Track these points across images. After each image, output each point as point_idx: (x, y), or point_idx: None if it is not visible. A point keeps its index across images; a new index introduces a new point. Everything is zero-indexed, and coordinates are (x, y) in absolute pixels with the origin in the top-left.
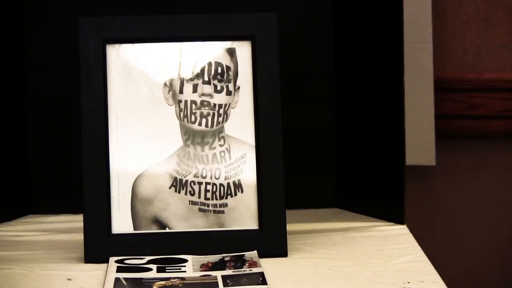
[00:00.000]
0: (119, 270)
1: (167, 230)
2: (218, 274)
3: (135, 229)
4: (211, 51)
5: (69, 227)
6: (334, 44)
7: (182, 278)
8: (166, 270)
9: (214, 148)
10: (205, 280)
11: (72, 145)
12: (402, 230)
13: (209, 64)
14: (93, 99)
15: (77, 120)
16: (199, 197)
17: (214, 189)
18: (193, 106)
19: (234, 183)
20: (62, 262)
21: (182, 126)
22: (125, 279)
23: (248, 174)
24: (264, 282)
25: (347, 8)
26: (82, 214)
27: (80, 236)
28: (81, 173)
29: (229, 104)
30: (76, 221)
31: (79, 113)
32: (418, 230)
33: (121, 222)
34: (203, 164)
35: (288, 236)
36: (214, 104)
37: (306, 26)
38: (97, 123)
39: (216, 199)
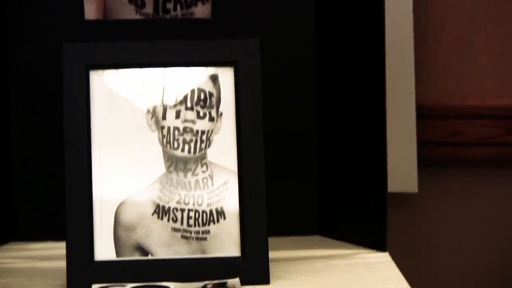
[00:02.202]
0: None
1: (149, 257)
2: None
3: (117, 256)
4: (194, 77)
5: (52, 254)
6: (316, 77)
7: None
8: None
9: (197, 174)
10: None
11: (55, 172)
12: (384, 258)
13: (192, 90)
14: (76, 126)
15: (60, 146)
16: (182, 223)
17: (197, 216)
18: (176, 132)
19: (216, 209)
20: None
21: (165, 153)
22: None
23: (230, 201)
24: None
25: (329, 35)
26: (65, 241)
27: (63, 263)
28: (64, 200)
29: (212, 130)
30: (59, 248)
31: (62, 140)
32: (401, 258)
33: (104, 249)
34: (186, 190)
35: (270, 263)
36: (197, 131)
37: (289, 51)
38: (80, 149)
39: (199, 225)
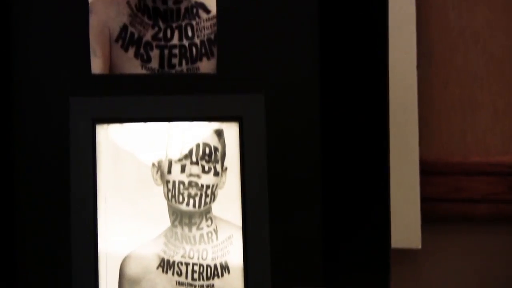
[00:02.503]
0: None
1: None
2: None
3: None
4: (199, 132)
5: None
6: (321, 132)
7: None
8: None
9: (202, 228)
10: None
11: (61, 226)
12: None
13: (197, 145)
14: (82, 179)
15: (66, 200)
16: (186, 277)
17: (201, 270)
18: (181, 186)
19: (221, 264)
20: None
21: (170, 207)
22: None
23: (235, 255)
24: None
25: (334, 93)
26: None
27: None
28: (70, 253)
29: (217, 184)
30: None
31: (68, 193)
32: None
33: None
34: (191, 244)
35: None
36: (202, 185)
37: (294, 106)
38: (86, 203)
39: (203, 279)
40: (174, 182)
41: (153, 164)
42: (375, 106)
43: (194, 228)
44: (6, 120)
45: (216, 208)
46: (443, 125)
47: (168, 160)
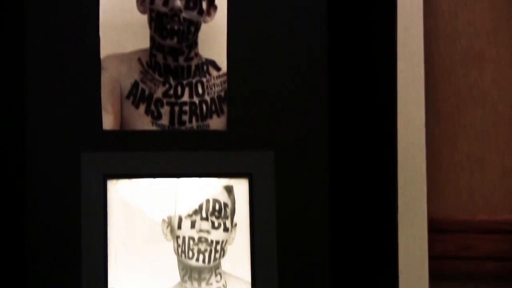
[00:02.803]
0: None
1: None
2: None
3: None
4: (209, 188)
5: None
6: (329, 190)
7: None
8: None
9: (211, 284)
10: None
11: (72, 279)
12: None
13: (207, 200)
14: (93, 234)
15: (77, 255)
16: None
17: None
18: (191, 242)
19: None
20: None
21: (179, 262)
22: None
23: None
24: None
25: (342, 152)
26: None
27: None
28: None
29: (226, 240)
30: None
31: (79, 248)
32: None
33: None
34: None
35: None
36: (212, 241)
37: (302, 163)
38: (96, 258)
39: None
40: (184, 238)
41: (163, 220)
42: (383, 164)
43: (203, 284)
44: (19, 175)
45: (225, 263)
46: (451, 183)
47: (178, 216)
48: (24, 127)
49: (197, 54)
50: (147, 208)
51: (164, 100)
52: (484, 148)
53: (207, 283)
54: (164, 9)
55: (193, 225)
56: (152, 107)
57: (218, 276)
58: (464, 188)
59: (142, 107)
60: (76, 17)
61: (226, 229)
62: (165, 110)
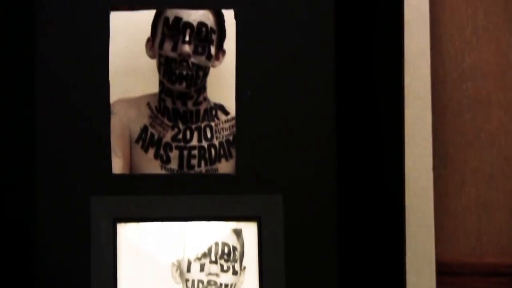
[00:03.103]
0: None
1: None
2: None
3: None
4: (218, 231)
5: None
6: (337, 231)
7: None
8: None
9: None
10: None
11: None
12: None
13: (216, 244)
14: (102, 277)
15: None
16: None
17: None
18: (200, 285)
19: None
20: None
21: None
22: None
23: None
24: None
25: (350, 191)
26: None
27: None
28: None
29: (235, 284)
30: None
31: None
32: None
33: None
34: None
35: None
36: (221, 284)
37: (311, 205)
38: None
39: None
40: (193, 281)
41: (172, 263)
42: (391, 207)
43: None
44: (30, 218)
45: None
46: (459, 226)
47: (187, 259)
48: (35, 170)
49: (205, 99)
50: (156, 251)
51: (173, 144)
52: (491, 192)
53: None
54: (173, 54)
55: (202, 268)
56: (161, 151)
57: None
58: (472, 231)
59: (151, 151)
60: (86, 62)
61: (235, 272)
62: (174, 154)
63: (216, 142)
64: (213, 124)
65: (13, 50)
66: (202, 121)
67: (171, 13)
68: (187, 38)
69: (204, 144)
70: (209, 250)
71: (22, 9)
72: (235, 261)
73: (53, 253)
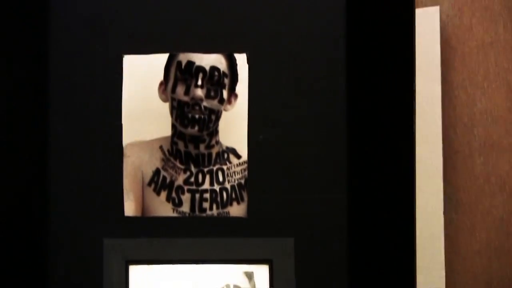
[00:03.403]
0: None
1: None
2: None
3: None
4: (230, 274)
5: None
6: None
7: None
8: None
9: None
10: None
11: None
12: None
13: (228, 286)
14: None
15: None
16: None
17: None
18: None
19: None
20: None
21: None
22: None
23: None
24: None
25: (361, 224)
26: None
27: None
28: None
29: None
30: None
31: None
32: None
33: None
34: None
35: None
36: None
37: (322, 250)
38: None
39: None
40: None
41: None
42: (402, 251)
43: None
44: (43, 261)
45: None
46: (469, 269)
47: None
48: (49, 213)
49: (217, 142)
50: None
51: (185, 188)
52: (502, 236)
53: None
54: (185, 98)
55: None
56: (173, 194)
57: None
58: (482, 275)
59: (164, 194)
60: (99, 105)
61: None
62: (186, 197)
63: (228, 186)
64: (225, 167)
65: (27, 95)
66: (214, 165)
67: (184, 57)
68: (199, 82)
69: (216, 187)
70: None
71: (36, 51)
72: None
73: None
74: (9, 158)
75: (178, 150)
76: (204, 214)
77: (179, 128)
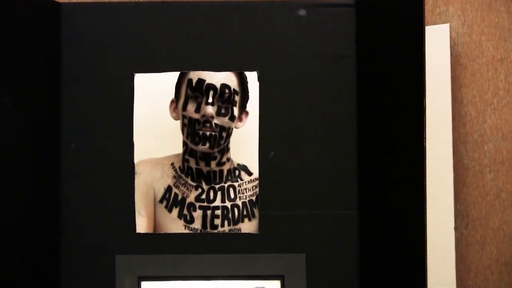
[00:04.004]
0: None
1: None
2: None
3: None
4: None
5: None
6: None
7: None
8: None
9: None
10: None
11: None
12: None
13: None
14: None
15: None
16: None
17: None
18: None
19: None
20: None
21: None
22: None
23: None
24: None
25: (372, 247)
26: None
27: None
28: None
29: None
30: None
31: None
32: None
33: None
34: None
35: None
36: None
37: (333, 264)
38: None
39: None
40: None
41: None
42: (413, 266)
43: None
44: (55, 278)
45: None
46: (480, 284)
47: None
48: (61, 230)
49: (229, 159)
50: None
51: (197, 204)
52: None
53: None
54: (196, 116)
55: None
56: (185, 211)
57: None
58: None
59: (175, 211)
60: (111, 123)
61: None
62: (197, 214)
63: (239, 202)
64: (236, 184)
65: (40, 113)
66: (226, 182)
67: (194, 75)
68: (210, 100)
69: (228, 204)
70: None
71: (49, 70)
72: None
73: None
74: (23, 177)
75: (189, 167)
76: (215, 231)
77: (190, 145)
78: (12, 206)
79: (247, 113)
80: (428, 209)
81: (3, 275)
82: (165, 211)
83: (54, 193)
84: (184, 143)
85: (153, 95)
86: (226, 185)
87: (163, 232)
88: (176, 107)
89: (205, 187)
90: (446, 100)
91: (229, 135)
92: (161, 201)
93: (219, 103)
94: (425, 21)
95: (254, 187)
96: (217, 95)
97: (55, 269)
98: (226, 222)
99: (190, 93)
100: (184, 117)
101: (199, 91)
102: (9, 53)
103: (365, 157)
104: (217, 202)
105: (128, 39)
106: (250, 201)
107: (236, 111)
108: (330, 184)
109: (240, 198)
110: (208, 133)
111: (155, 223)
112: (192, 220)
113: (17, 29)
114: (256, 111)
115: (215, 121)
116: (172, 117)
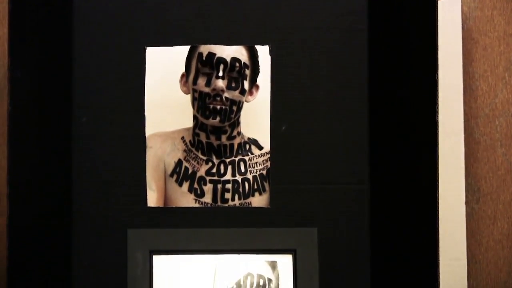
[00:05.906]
0: None
1: None
2: None
3: None
4: (253, 264)
5: None
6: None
7: None
8: None
9: None
10: None
11: None
12: None
13: (251, 276)
14: None
15: None
16: None
17: None
18: None
19: None
20: None
21: None
22: None
23: None
24: None
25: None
26: None
27: None
28: None
29: None
30: None
31: None
32: None
33: None
34: None
35: None
36: None
37: (345, 239)
38: None
39: None
40: None
41: None
42: (424, 241)
43: None
44: (66, 252)
45: None
46: (491, 259)
47: None
48: (72, 204)
49: (239, 133)
50: (191, 283)
51: (207, 178)
52: None
53: None
54: (206, 89)
55: None
56: (195, 185)
57: None
58: (504, 265)
59: (186, 185)
60: (122, 96)
61: None
62: (208, 188)
63: (250, 176)
64: (247, 158)
65: (51, 87)
66: (236, 156)
67: (205, 49)
68: (220, 73)
69: (238, 178)
70: (244, 282)
71: (60, 45)
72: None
73: (90, 285)
74: (34, 150)
75: (200, 141)
76: (226, 205)
77: (201, 119)
78: (23, 180)
79: (257, 87)
80: (439, 184)
81: (15, 246)
82: (175, 185)
83: (65, 168)
84: (195, 117)
85: (163, 69)
86: (236, 159)
87: (173, 206)
88: (186, 81)
89: (215, 161)
90: (458, 75)
91: (239, 109)
92: (171, 175)
93: (230, 77)
94: None
95: (264, 161)
96: (227, 69)
97: (66, 243)
98: (236, 196)
99: (200, 67)
100: (194, 91)
101: (210, 65)
102: (20, 26)
103: (376, 131)
104: (228, 176)
105: (139, 13)
106: (261, 175)
107: (246, 84)
108: (342, 158)
109: (250, 172)
110: (218, 107)
111: (166, 197)
112: (202, 194)
113: (28, 2)
114: (266, 85)
115: (226, 94)
116: (183, 91)
